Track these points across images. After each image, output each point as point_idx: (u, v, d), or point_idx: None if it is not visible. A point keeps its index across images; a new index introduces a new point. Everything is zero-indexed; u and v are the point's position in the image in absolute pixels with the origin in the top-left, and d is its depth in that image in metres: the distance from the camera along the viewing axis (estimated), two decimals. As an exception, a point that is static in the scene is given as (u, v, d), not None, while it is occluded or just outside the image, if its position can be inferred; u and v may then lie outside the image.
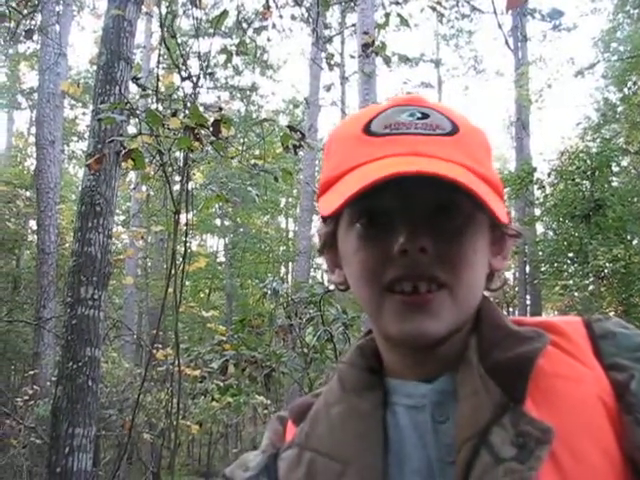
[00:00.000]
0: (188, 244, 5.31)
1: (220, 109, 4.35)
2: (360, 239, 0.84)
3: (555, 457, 0.74)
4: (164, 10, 5.25)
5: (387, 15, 6.49)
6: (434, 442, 0.82)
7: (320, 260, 27.25)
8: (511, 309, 20.53)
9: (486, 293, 0.91)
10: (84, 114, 22.41)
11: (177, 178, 5.51)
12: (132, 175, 13.73)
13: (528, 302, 18.54)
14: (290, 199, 27.32)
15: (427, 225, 0.80)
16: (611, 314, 13.04)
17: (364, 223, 0.84)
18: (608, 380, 0.80)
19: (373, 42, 6.35)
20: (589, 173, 14.18)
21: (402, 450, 0.83)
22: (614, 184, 15.95)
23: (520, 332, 0.85)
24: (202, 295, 23.50)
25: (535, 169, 15.37)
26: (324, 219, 0.92)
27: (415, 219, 0.80)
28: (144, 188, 13.98)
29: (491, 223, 0.85)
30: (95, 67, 5.45)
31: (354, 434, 0.85)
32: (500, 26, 5.57)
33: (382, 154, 0.81)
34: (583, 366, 0.82)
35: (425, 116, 0.83)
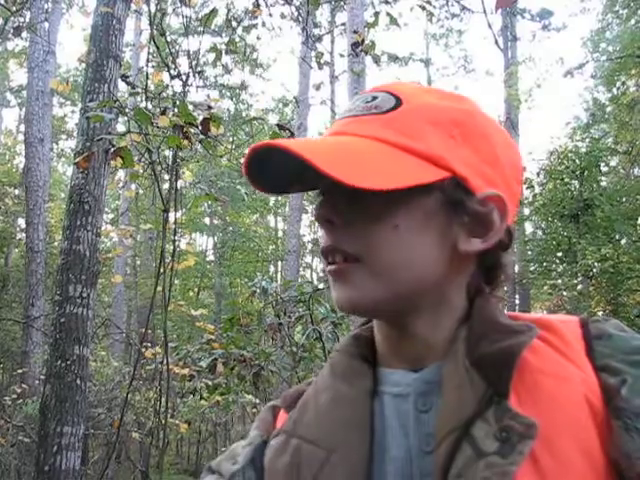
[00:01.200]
0: (177, 242, 5.30)
1: (209, 107, 4.34)
2: None
3: (534, 455, 0.73)
4: (153, 8, 5.23)
5: (377, 14, 6.48)
6: (415, 431, 0.82)
7: (309, 259, 27.32)
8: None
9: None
10: (73, 112, 22.46)
11: (166, 176, 5.49)
12: (121, 173, 13.68)
13: (517, 301, 18.58)
14: (279, 198, 27.30)
15: (344, 198, 0.82)
16: (599, 313, 13.09)
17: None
18: (598, 382, 0.79)
19: (363, 41, 6.34)
20: (578, 173, 14.22)
21: (384, 438, 0.83)
22: (603, 184, 15.98)
23: (510, 326, 0.83)
24: (191, 294, 23.43)
25: (524, 168, 15.38)
26: None
27: (327, 189, 0.83)
28: (133, 186, 13.96)
29: (451, 200, 0.82)
30: (84, 65, 5.43)
31: (340, 421, 0.85)
32: (490, 26, 5.57)
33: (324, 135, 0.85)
34: (572, 365, 0.80)
35: (374, 99, 0.85)
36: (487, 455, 0.72)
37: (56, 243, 12.21)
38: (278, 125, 4.46)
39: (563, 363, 0.80)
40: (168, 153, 4.79)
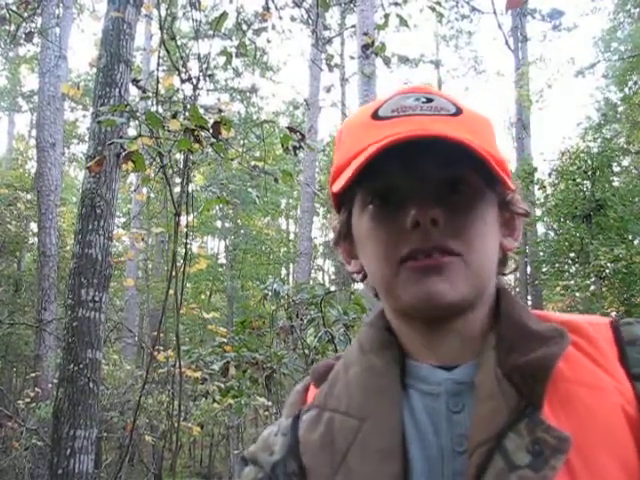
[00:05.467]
0: (189, 246, 5.30)
1: (220, 111, 4.34)
2: (373, 219, 0.86)
3: (570, 467, 0.72)
4: (163, 12, 5.24)
5: (387, 16, 6.47)
6: (447, 431, 0.81)
7: (320, 261, 27.32)
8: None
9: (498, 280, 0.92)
10: (84, 116, 22.48)
11: (177, 180, 5.50)
12: (132, 177, 13.77)
13: (529, 303, 18.49)
14: (290, 200, 27.33)
15: (437, 199, 0.82)
16: (612, 314, 13.03)
17: (377, 204, 0.85)
18: (633, 391, 0.78)
19: (373, 43, 6.33)
20: (590, 173, 14.17)
21: (414, 432, 0.83)
22: (615, 184, 15.91)
23: (540, 332, 0.83)
24: (203, 297, 23.44)
25: (536, 169, 15.36)
26: (337, 209, 0.94)
27: (425, 193, 0.82)
28: (144, 190, 13.97)
29: (500, 202, 0.88)
30: (95, 69, 5.44)
31: (370, 390, 0.86)
32: (500, 26, 5.56)
33: (390, 133, 0.82)
34: (605, 374, 0.79)
35: (430, 100, 0.86)
36: (519, 468, 0.72)
37: (68, 247, 12.25)
38: (289, 128, 4.46)
39: (595, 371, 0.80)
40: (179, 157, 4.79)
